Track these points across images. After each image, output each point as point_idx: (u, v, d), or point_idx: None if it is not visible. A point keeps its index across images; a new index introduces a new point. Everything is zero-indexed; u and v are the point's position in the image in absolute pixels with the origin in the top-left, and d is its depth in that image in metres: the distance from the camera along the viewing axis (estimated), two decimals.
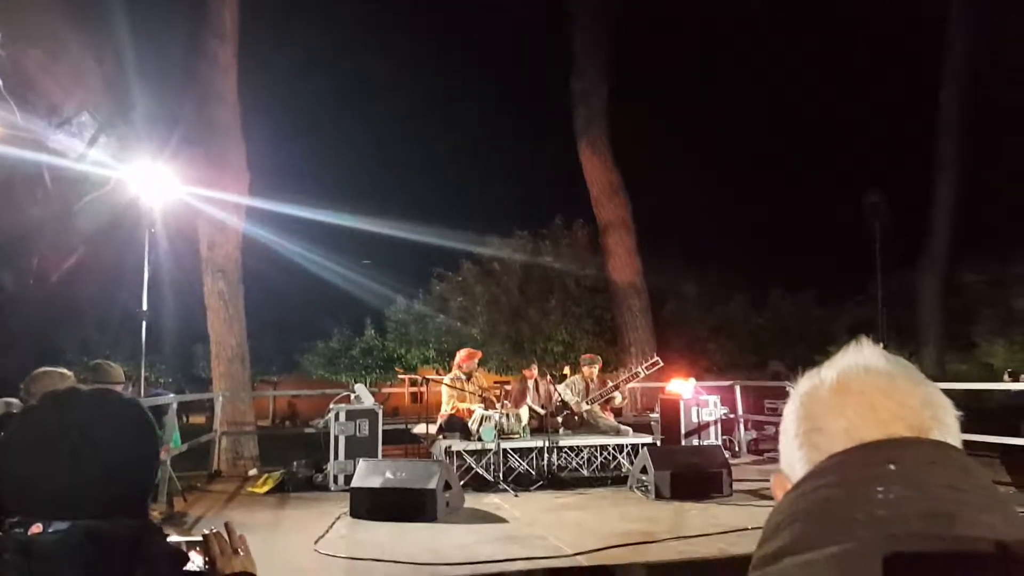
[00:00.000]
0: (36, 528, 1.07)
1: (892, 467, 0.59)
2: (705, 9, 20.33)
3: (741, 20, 21.10)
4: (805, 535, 0.59)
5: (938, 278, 16.63)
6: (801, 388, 0.71)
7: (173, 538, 1.36)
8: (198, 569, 1.39)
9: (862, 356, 0.69)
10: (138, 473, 1.20)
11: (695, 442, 8.15)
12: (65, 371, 2.92)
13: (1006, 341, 15.40)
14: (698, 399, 8.50)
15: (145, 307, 7.03)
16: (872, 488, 0.58)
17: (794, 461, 0.68)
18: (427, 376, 8.17)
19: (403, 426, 8.75)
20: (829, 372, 0.69)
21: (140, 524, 1.16)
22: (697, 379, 9.52)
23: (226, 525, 1.45)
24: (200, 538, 1.42)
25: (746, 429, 10.01)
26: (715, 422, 8.43)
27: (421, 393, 8.31)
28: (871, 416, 0.64)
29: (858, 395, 0.66)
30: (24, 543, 1.06)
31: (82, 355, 16.67)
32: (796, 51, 22.63)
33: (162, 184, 7.45)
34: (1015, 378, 8.12)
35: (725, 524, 5.22)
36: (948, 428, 0.65)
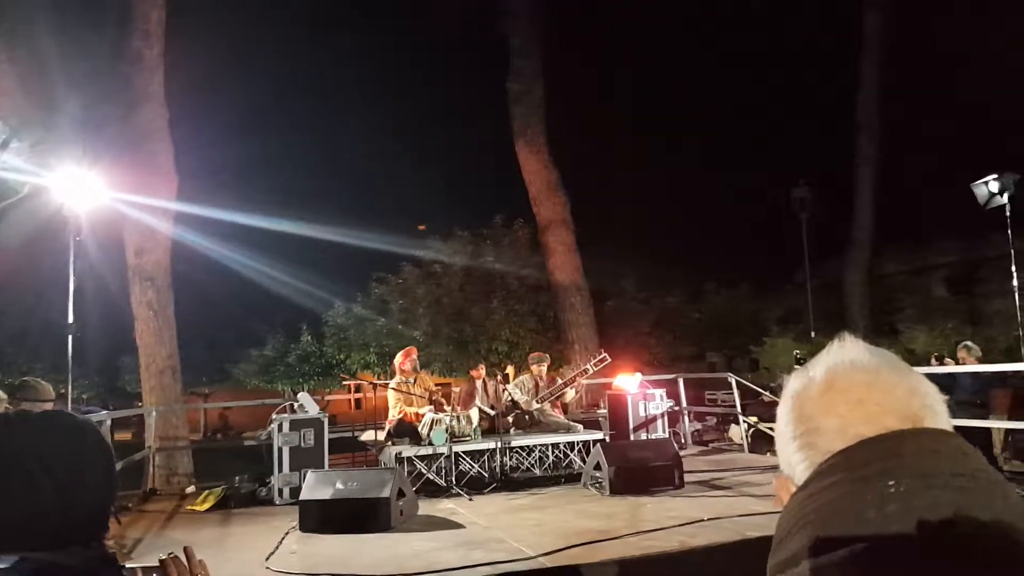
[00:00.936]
0: None
1: (896, 460, 0.60)
2: (635, 10, 20.73)
3: (670, 18, 21.61)
4: (819, 538, 0.59)
5: (862, 268, 17.42)
6: (792, 388, 0.71)
7: (129, 564, 1.27)
8: None
9: (846, 351, 0.70)
10: (96, 499, 1.13)
11: (644, 436, 8.24)
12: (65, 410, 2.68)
13: (926, 328, 16.24)
14: (644, 393, 8.60)
15: (71, 320, 6.61)
16: (881, 483, 0.59)
17: (794, 463, 0.68)
18: (373, 381, 7.98)
19: (349, 434, 8.55)
20: (817, 370, 0.70)
21: (95, 555, 1.09)
22: (641, 373, 9.65)
23: (185, 549, 1.38)
24: (156, 564, 1.34)
25: (690, 421, 10.22)
26: (662, 415, 8.55)
27: (361, 399, 8.14)
28: (861, 411, 0.65)
29: (846, 391, 0.67)
30: None
31: None
32: (724, 48, 23.31)
33: (87, 190, 7.04)
34: (941, 362, 8.52)
35: (682, 516, 5.29)
36: (939, 415, 0.66)
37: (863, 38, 17.22)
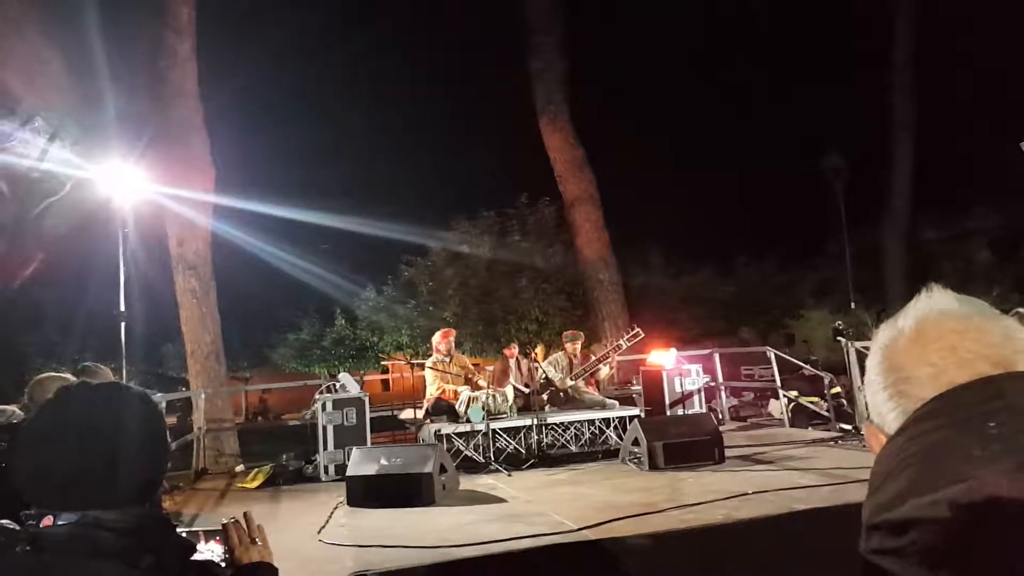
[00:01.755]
0: (47, 521, 1.10)
1: (999, 402, 0.60)
2: None
3: None
4: (925, 477, 0.59)
5: (901, 236, 17.06)
6: (881, 340, 0.73)
7: (194, 527, 1.41)
8: (206, 559, 1.41)
9: (935, 301, 0.71)
10: (145, 462, 1.22)
11: (680, 412, 8.27)
12: (68, 375, 2.85)
13: (970, 295, 15.90)
14: (680, 368, 8.61)
15: (123, 308, 6.84)
16: (983, 424, 0.59)
17: (885, 412, 0.70)
18: (411, 361, 8.14)
19: (389, 413, 8.72)
20: (906, 321, 0.71)
21: (148, 514, 1.19)
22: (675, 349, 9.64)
23: (245, 515, 1.48)
24: (219, 527, 1.43)
25: (727, 396, 10.20)
26: (698, 391, 8.55)
27: (390, 380, 8.33)
28: (953, 358, 0.66)
29: (937, 340, 0.68)
30: (35, 535, 1.09)
31: (48, 360, 16.22)
32: (751, 17, 22.78)
33: (132, 183, 7.24)
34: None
35: (724, 491, 5.27)
36: None
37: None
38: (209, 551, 1.47)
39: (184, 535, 1.31)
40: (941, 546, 0.57)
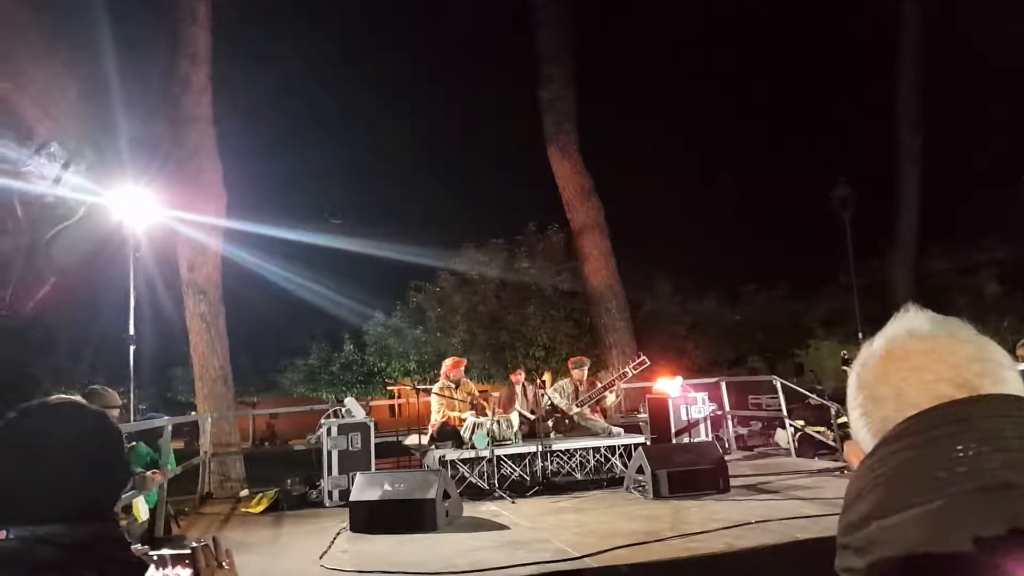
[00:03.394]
0: (0, 535, 1.12)
1: (964, 424, 0.61)
2: (666, 9, 20.69)
3: (704, 19, 21.49)
4: (889, 498, 0.61)
5: (909, 268, 17.02)
6: (858, 359, 0.74)
7: (163, 551, 1.37)
8: None
9: (907, 321, 0.72)
10: (95, 479, 1.23)
11: (686, 440, 8.23)
12: (77, 399, 2.88)
13: (980, 327, 15.80)
14: (686, 397, 8.59)
15: (132, 331, 6.92)
16: (950, 447, 0.60)
17: (858, 429, 0.71)
18: (417, 387, 8.15)
19: (394, 438, 8.72)
20: (878, 341, 0.72)
21: (100, 530, 1.19)
22: (681, 377, 9.62)
23: (213, 539, 1.47)
24: (188, 551, 1.45)
25: (734, 425, 10.14)
26: (704, 419, 8.53)
27: (400, 406, 8.32)
28: (914, 378, 0.67)
29: (903, 359, 0.69)
30: None
31: (57, 384, 16.33)
32: (760, 48, 23.08)
33: (144, 208, 7.38)
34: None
35: (727, 519, 5.25)
36: (1003, 381, 0.66)
37: (902, 30, 16.93)
38: (175, 575, 1.47)
39: (139, 556, 1.29)
40: (899, 570, 0.58)
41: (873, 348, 0.73)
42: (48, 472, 1.17)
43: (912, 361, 0.68)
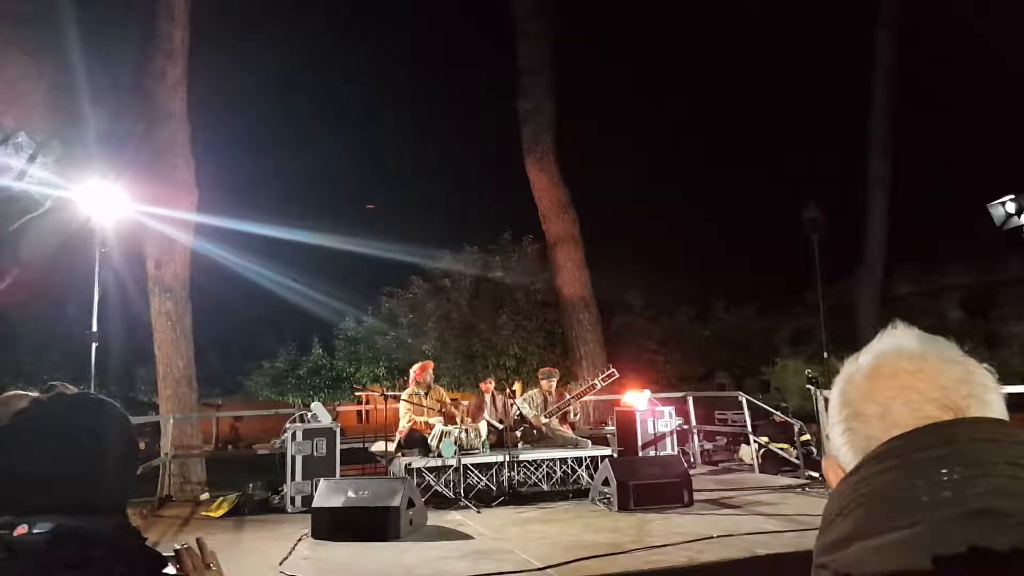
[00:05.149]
0: (21, 530, 1.07)
1: (950, 447, 0.60)
2: (644, 29, 20.99)
3: (681, 41, 21.83)
4: (872, 519, 0.60)
5: (875, 290, 17.39)
6: (842, 375, 0.73)
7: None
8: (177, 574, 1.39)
9: (895, 338, 0.71)
10: (118, 472, 1.20)
11: (652, 453, 8.27)
12: (37, 395, 2.81)
13: None
14: (653, 411, 8.65)
15: (95, 328, 6.77)
16: (935, 469, 0.59)
17: (839, 446, 0.70)
18: (385, 393, 8.08)
19: (360, 445, 8.63)
20: (865, 357, 0.71)
21: (120, 524, 1.16)
22: (649, 391, 9.68)
23: (198, 541, 1.45)
24: (172, 553, 1.43)
25: (700, 440, 10.23)
26: (670, 433, 8.58)
27: (368, 411, 8.24)
28: (901, 398, 0.66)
29: (890, 378, 0.67)
30: (8, 543, 1.06)
31: (18, 381, 15.90)
32: (735, 67, 23.50)
33: (112, 203, 7.23)
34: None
35: (690, 533, 5.30)
36: (988, 404, 0.65)
37: (874, 56, 17.35)
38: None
39: (157, 551, 1.32)
40: None
41: (860, 364, 0.71)
42: (81, 461, 1.13)
43: (900, 380, 0.67)
